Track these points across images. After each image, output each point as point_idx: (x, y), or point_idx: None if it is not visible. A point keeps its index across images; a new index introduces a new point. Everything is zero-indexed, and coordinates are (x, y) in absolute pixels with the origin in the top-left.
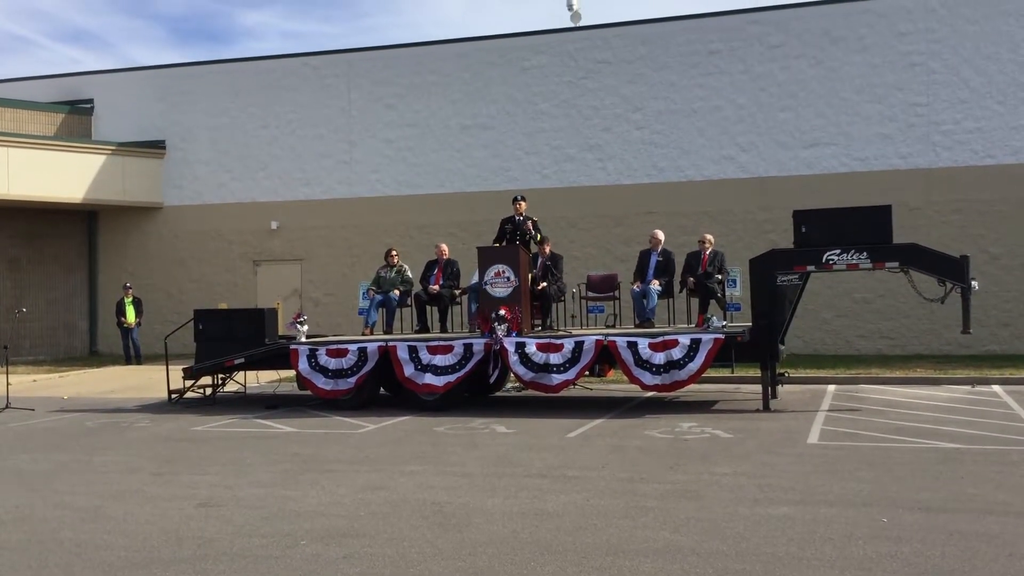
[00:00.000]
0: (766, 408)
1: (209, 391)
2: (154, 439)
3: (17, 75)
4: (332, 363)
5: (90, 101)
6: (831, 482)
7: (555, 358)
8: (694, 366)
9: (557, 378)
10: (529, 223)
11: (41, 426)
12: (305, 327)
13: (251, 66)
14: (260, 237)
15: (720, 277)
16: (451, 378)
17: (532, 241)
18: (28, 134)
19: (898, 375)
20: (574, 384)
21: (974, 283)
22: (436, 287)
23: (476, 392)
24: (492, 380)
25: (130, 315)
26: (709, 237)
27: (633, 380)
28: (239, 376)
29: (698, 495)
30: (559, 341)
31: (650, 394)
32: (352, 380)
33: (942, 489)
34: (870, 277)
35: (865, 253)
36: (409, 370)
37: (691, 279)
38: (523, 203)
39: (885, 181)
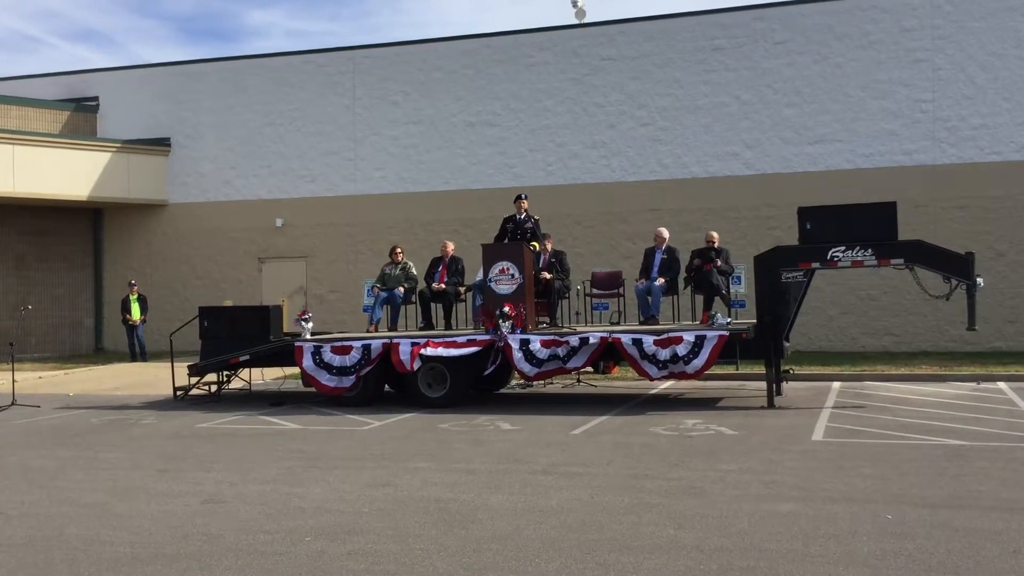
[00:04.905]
0: (771, 405)
1: (214, 388)
2: (159, 436)
3: (23, 73)
4: (336, 360)
5: (95, 99)
6: (836, 479)
7: (560, 352)
8: (699, 362)
9: (569, 364)
10: (530, 223)
11: (46, 423)
12: (310, 324)
13: (256, 64)
14: (265, 234)
15: (720, 274)
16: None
17: (534, 241)
18: (34, 132)
19: (903, 372)
20: (579, 374)
21: (979, 280)
22: (441, 284)
23: (481, 389)
24: (486, 373)
25: (135, 312)
26: (715, 234)
27: (640, 372)
28: (244, 373)
29: (702, 492)
30: (564, 339)
31: (655, 391)
32: (355, 377)
33: (947, 486)
34: (875, 274)
35: (870, 250)
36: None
37: (697, 260)
38: (525, 202)
39: (890, 178)
